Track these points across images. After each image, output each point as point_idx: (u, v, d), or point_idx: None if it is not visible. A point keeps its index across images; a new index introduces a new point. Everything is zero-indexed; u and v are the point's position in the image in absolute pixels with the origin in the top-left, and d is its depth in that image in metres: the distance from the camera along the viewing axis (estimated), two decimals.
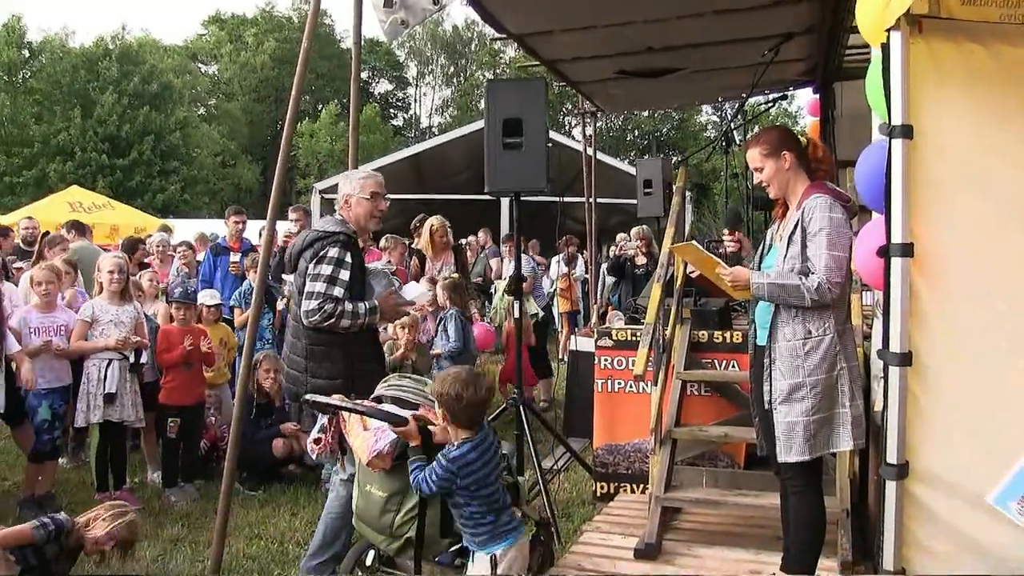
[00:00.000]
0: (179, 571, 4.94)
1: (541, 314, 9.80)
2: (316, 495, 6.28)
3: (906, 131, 3.18)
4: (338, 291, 4.29)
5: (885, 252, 3.25)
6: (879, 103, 3.37)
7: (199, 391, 6.63)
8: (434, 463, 3.53)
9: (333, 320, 4.26)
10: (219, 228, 9.42)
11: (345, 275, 4.32)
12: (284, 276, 6.08)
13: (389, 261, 7.92)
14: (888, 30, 3.15)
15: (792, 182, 3.81)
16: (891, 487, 3.19)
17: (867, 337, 4.84)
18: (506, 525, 3.66)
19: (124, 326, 6.22)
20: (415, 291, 5.01)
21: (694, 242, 4.33)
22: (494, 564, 3.62)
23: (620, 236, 12.44)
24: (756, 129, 4.89)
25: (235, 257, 8.51)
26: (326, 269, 4.29)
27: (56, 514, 4.38)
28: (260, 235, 8.57)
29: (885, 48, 3.18)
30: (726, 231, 4.11)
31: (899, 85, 3.16)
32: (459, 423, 3.58)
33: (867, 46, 6.60)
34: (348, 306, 4.30)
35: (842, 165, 6.65)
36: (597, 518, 5.45)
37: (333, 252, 4.32)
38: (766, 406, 3.79)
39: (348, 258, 4.35)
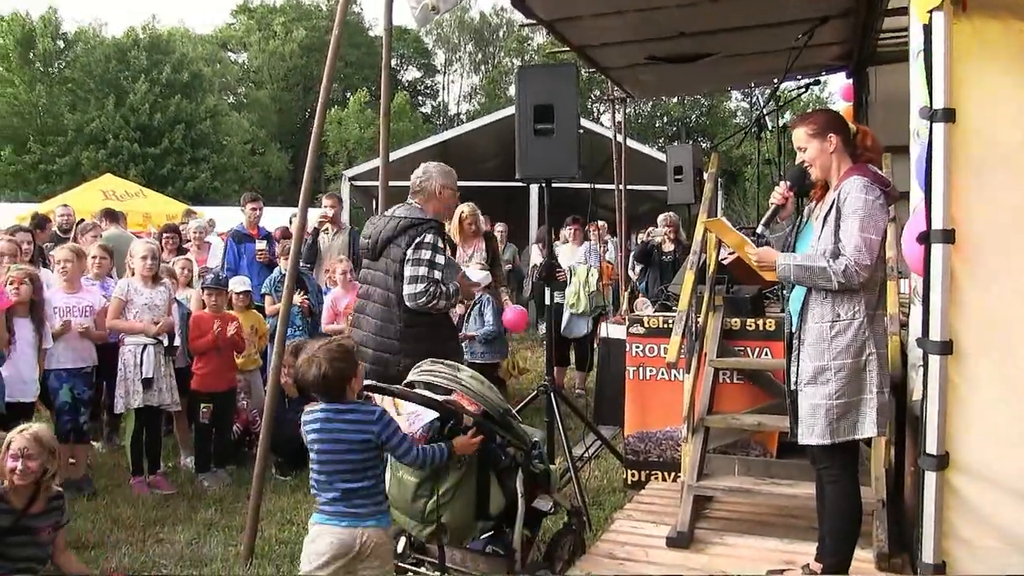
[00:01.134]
0: (212, 555, 4.97)
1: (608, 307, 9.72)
2: None
3: (948, 115, 3.12)
4: (437, 274, 4.64)
5: (925, 238, 3.19)
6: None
7: (231, 377, 6.67)
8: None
9: (435, 301, 4.60)
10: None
11: (441, 259, 4.68)
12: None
13: None
14: (931, 10, 3.07)
15: (835, 165, 3.75)
16: (930, 478, 3.14)
17: (904, 325, 4.77)
18: None
19: (158, 309, 6.26)
20: (479, 275, 5.58)
21: (723, 218, 4.26)
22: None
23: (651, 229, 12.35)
24: (787, 115, 4.82)
25: (260, 244, 8.53)
26: (426, 254, 4.61)
27: None
28: (291, 222, 8.62)
29: (927, 29, 3.11)
30: (786, 183, 3.97)
31: (942, 67, 3.09)
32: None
33: (902, 30, 6.51)
34: (444, 288, 4.66)
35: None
36: (628, 506, 5.42)
37: (429, 238, 4.64)
38: (792, 387, 3.78)
39: (440, 243, 4.71)
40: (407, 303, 4.59)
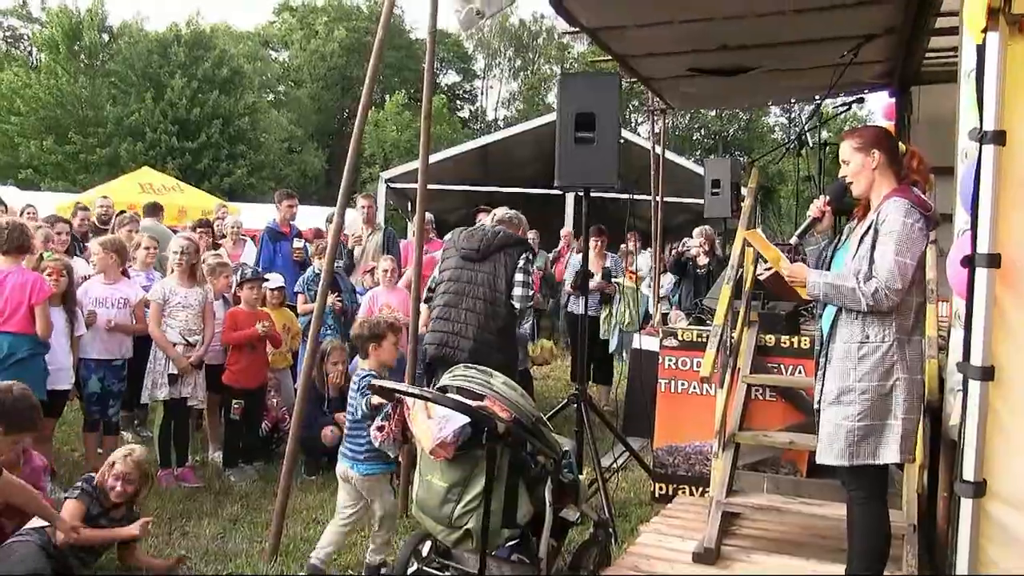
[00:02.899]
0: (237, 550, 5.00)
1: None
2: None
3: (998, 137, 3.06)
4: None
5: (970, 262, 3.14)
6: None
7: (263, 375, 6.72)
8: None
9: (532, 304, 5.90)
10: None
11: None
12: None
13: None
14: (985, 30, 3.03)
15: (877, 183, 3.71)
16: (966, 505, 3.09)
17: (942, 348, 4.70)
18: None
19: (192, 309, 6.32)
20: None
21: (759, 230, 4.22)
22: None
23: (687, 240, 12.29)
24: (826, 133, 4.78)
25: (298, 243, 8.57)
26: (530, 267, 5.60)
27: (85, 476, 4.73)
28: (327, 222, 8.65)
29: (980, 49, 3.06)
30: (825, 197, 3.95)
31: (993, 88, 3.04)
32: None
33: (950, 49, 6.43)
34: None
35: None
36: (655, 519, 5.38)
37: (530, 256, 5.64)
38: (815, 406, 3.74)
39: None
40: (516, 303, 5.40)
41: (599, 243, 9.62)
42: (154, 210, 9.67)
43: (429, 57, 5.50)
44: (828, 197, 3.93)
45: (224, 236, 9.40)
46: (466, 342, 5.30)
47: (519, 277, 5.40)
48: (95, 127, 34.07)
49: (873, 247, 3.56)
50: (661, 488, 5.98)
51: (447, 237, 6.06)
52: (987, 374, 3.08)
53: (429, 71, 5.50)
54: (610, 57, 7.51)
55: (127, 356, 6.35)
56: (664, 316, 8.45)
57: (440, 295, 5.56)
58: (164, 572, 4.65)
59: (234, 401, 6.45)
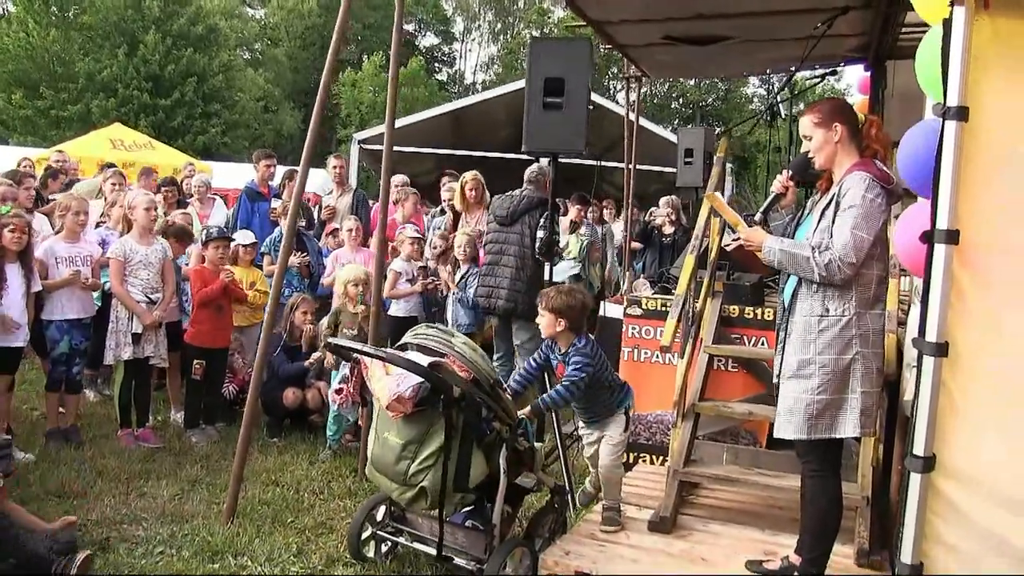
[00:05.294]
0: (194, 511, 4.97)
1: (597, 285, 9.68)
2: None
3: (961, 113, 3.03)
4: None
5: (928, 237, 3.13)
6: (929, 82, 3.24)
7: (226, 335, 6.66)
8: (569, 370, 4.37)
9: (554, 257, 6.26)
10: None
11: None
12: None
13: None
14: (952, 4, 2.99)
15: (839, 156, 3.69)
16: (915, 479, 3.10)
17: (902, 323, 4.73)
18: (623, 384, 4.72)
19: (153, 267, 6.25)
20: None
21: (718, 194, 4.22)
22: (627, 415, 4.67)
23: (654, 209, 12.27)
24: (801, 105, 4.75)
25: (276, 204, 8.48)
26: (545, 223, 6.04)
27: None
28: (285, 180, 8.58)
29: (947, 24, 3.03)
30: (788, 171, 3.94)
31: (958, 64, 3.01)
32: (574, 328, 4.43)
33: (924, 24, 6.40)
34: None
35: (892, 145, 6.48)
36: None
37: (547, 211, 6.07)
38: (775, 380, 3.75)
39: None
40: (540, 256, 6.06)
41: (582, 211, 9.63)
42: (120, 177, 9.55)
43: (398, 18, 5.42)
44: (791, 172, 3.91)
45: (192, 195, 9.27)
46: (503, 292, 6.59)
47: (540, 234, 6.13)
48: (66, 82, 33.42)
49: (833, 221, 3.55)
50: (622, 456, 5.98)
51: (492, 204, 7.24)
52: (941, 350, 3.08)
53: (397, 32, 5.42)
54: (586, 23, 7.43)
55: (92, 314, 6.28)
56: (631, 285, 8.45)
57: (486, 255, 6.88)
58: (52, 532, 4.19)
59: (195, 361, 6.40)
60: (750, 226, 3.83)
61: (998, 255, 3.09)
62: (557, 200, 6.33)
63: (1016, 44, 3.03)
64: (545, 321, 4.45)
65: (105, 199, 7.82)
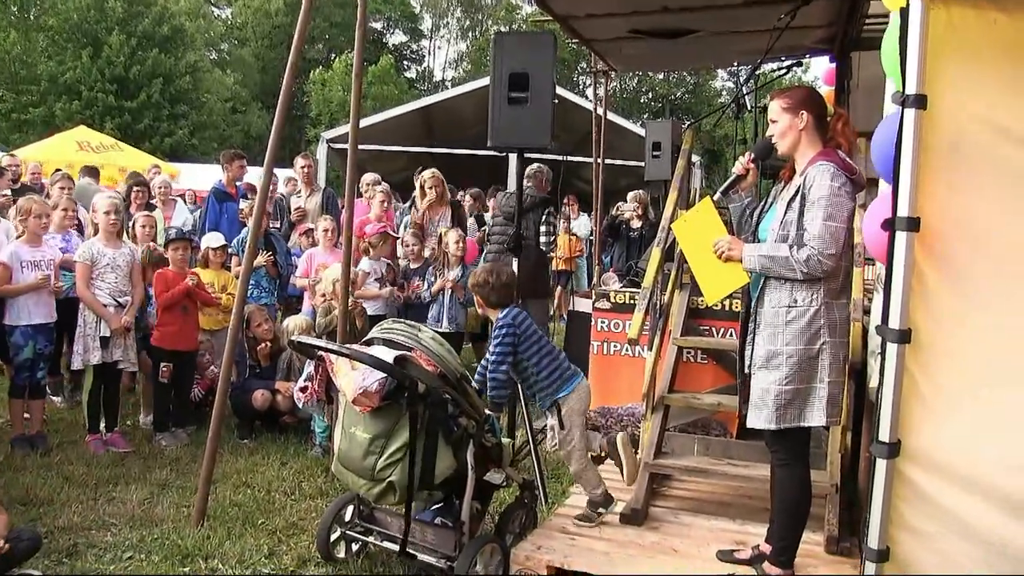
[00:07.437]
0: (164, 515, 4.92)
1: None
2: (306, 446, 6.27)
3: (919, 101, 3.05)
4: None
5: (890, 225, 3.15)
6: (893, 70, 3.25)
7: (193, 338, 6.59)
8: (488, 348, 4.36)
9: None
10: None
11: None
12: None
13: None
14: None
15: (803, 144, 3.71)
16: (881, 465, 3.12)
17: (867, 311, 4.76)
18: (567, 370, 4.43)
19: (121, 270, 6.18)
20: None
21: (709, 199, 4.18)
22: (558, 410, 4.38)
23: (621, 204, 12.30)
24: (767, 97, 4.77)
25: (244, 204, 8.40)
26: (548, 219, 7.42)
27: None
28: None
29: (904, 13, 3.05)
30: (750, 154, 3.94)
31: (916, 53, 3.03)
32: (493, 306, 4.40)
33: (888, 15, 6.45)
34: None
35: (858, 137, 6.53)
36: None
37: (549, 208, 7.57)
38: (745, 371, 3.77)
39: None
40: (544, 249, 6.99)
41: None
42: (93, 173, 9.47)
43: (361, 15, 5.39)
44: (753, 154, 3.93)
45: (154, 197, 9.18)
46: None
47: (544, 228, 7.07)
48: (28, 84, 32.98)
49: (801, 214, 3.56)
50: (593, 450, 5.99)
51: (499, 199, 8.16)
52: (904, 337, 3.10)
53: (360, 29, 5.39)
54: (552, 18, 7.42)
55: (55, 319, 6.20)
56: (600, 279, 8.47)
57: (493, 245, 7.60)
58: None
59: (162, 364, 6.33)
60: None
61: (958, 242, 3.12)
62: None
63: (970, 33, 3.05)
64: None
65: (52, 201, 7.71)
